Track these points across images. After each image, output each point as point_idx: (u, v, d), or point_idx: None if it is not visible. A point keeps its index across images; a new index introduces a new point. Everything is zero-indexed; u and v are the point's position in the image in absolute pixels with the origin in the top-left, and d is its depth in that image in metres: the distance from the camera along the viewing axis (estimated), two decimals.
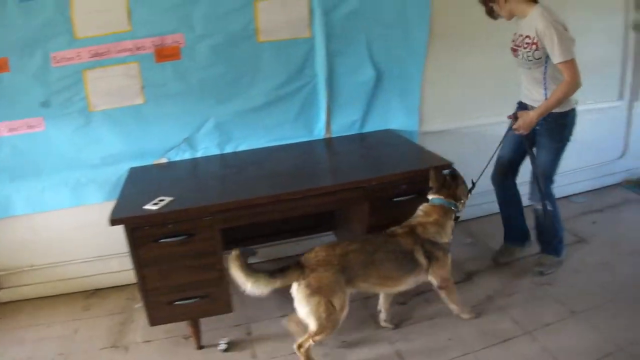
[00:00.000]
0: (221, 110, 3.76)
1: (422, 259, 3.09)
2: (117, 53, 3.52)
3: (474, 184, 3.45)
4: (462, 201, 3.32)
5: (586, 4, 4.49)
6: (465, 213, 3.99)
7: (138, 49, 3.54)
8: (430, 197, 3.26)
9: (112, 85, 3.57)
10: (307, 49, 3.81)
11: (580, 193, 5.24)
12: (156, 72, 3.60)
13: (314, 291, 2.86)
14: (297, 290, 2.91)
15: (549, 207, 3.71)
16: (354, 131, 4.10)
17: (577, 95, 3.44)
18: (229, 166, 3.65)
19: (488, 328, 3.39)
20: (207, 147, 3.83)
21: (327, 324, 2.89)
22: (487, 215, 4.76)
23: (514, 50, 3.52)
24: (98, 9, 3.42)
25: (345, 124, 4.07)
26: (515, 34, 3.53)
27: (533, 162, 3.63)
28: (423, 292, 3.67)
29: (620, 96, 5.20)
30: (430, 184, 3.24)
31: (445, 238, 3.20)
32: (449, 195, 3.23)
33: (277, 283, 2.86)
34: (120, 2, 3.43)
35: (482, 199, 4.15)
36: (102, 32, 3.45)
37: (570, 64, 3.18)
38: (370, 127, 4.14)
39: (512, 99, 4.21)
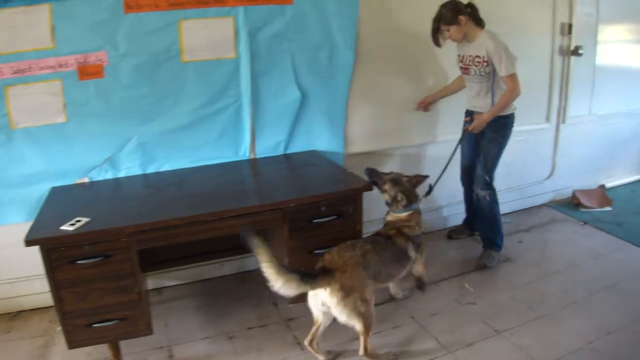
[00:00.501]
0: (144, 130, 3.70)
1: (413, 253, 3.45)
2: (39, 70, 3.44)
3: (431, 189, 3.95)
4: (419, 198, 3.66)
5: (517, 29, 4.60)
6: None
7: (61, 66, 3.47)
8: (395, 209, 3.54)
9: (34, 103, 3.48)
10: (232, 69, 3.79)
11: (508, 213, 5.34)
12: (79, 90, 3.53)
13: (348, 292, 2.95)
14: (331, 295, 2.96)
15: (488, 198, 4.29)
16: (279, 152, 4.10)
17: (515, 103, 4.10)
18: (150, 186, 3.59)
19: (410, 349, 3.40)
20: (129, 167, 3.77)
21: (370, 316, 3.06)
22: None
23: (465, 69, 4.10)
24: (21, 25, 3.33)
25: (270, 144, 4.06)
26: (461, 56, 4.10)
27: (482, 157, 4.23)
28: None
29: (547, 119, 5.33)
30: (399, 199, 3.52)
31: (422, 229, 3.58)
32: (414, 200, 3.58)
33: (307, 287, 2.93)
34: (43, 18, 3.36)
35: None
36: (24, 48, 3.37)
37: (513, 76, 3.86)
38: (295, 148, 4.14)
39: (435, 121, 4.38)
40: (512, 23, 4.39)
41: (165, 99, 3.70)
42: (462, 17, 3.82)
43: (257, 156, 4.05)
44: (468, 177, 4.52)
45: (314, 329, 3.21)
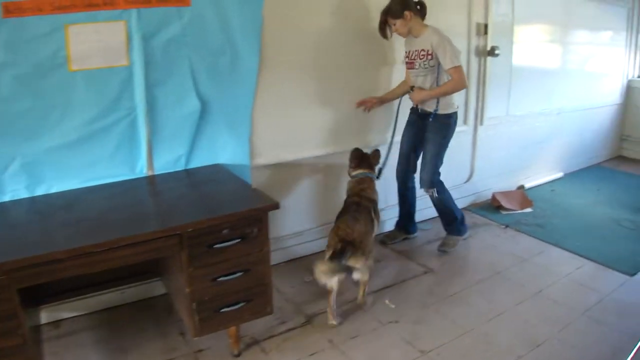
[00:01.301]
0: (29, 148, 3.30)
1: (373, 215, 3.95)
2: None
3: (380, 172, 4.38)
4: (377, 167, 4.33)
5: None
6: (304, 248, 4.42)
7: None
8: (354, 173, 4.17)
9: None
10: (125, 78, 3.43)
11: (427, 220, 5.22)
12: None
13: (367, 256, 3.61)
14: (355, 260, 3.44)
15: (436, 195, 4.51)
16: (179, 167, 3.75)
17: (457, 101, 4.39)
18: (37, 212, 3.20)
19: None
20: (15, 189, 3.34)
21: (372, 271, 3.87)
22: None
23: (410, 64, 4.29)
24: None
25: (170, 159, 3.72)
26: (407, 52, 4.31)
27: (426, 157, 4.48)
28: (257, 341, 3.42)
29: (465, 121, 5.21)
30: (351, 163, 4.20)
31: (376, 194, 4.16)
32: (369, 167, 4.20)
33: (346, 262, 3.40)
34: None
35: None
36: None
37: (458, 69, 4.06)
38: (197, 162, 3.81)
39: (347, 129, 4.35)
40: (428, 24, 4.24)
41: (51, 113, 3.30)
42: (407, 13, 4.04)
43: (156, 173, 3.69)
44: (403, 174, 4.69)
45: (331, 298, 3.61)
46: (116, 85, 3.43)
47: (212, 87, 3.71)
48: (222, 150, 3.90)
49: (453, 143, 5.00)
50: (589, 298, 3.93)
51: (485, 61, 5.21)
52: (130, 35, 3.39)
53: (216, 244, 2.91)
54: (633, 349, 3.27)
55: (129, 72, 3.44)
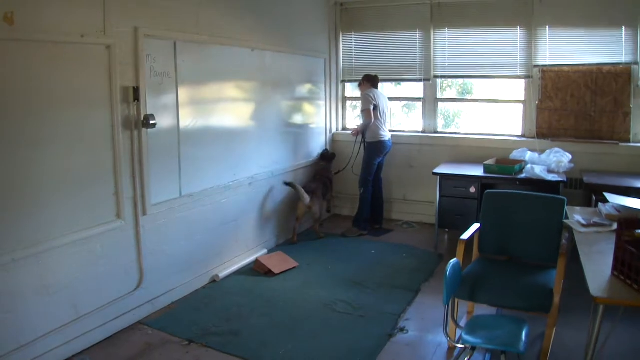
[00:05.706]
0: None
1: (329, 185, 7.05)
2: None
3: (339, 171, 7.40)
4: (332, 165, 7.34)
5: (55, 101, 3.52)
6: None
7: None
8: (320, 163, 7.18)
9: None
10: None
11: (85, 350, 3.85)
12: None
13: (317, 199, 6.54)
14: (312, 201, 6.36)
15: (361, 192, 6.84)
16: None
17: (382, 134, 6.71)
18: None
19: None
20: None
21: (321, 215, 6.86)
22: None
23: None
24: None
25: None
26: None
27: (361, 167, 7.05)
28: None
29: (119, 214, 4.02)
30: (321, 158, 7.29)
31: (331, 175, 7.23)
32: (328, 161, 7.27)
33: (308, 197, 6.37)
34: None
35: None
36: None
37: (365, 111, 6.64)
38: None
39: None
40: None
41: None
42: (361, 83, 6.86)
43: None
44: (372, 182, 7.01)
45: (297, 224, 6.54)
46: None
47: None
48: None
49: (106, 244, 3.98)
50: None
51: (139, 135, 4.11)
52: None
53: None
54: None
55: None
